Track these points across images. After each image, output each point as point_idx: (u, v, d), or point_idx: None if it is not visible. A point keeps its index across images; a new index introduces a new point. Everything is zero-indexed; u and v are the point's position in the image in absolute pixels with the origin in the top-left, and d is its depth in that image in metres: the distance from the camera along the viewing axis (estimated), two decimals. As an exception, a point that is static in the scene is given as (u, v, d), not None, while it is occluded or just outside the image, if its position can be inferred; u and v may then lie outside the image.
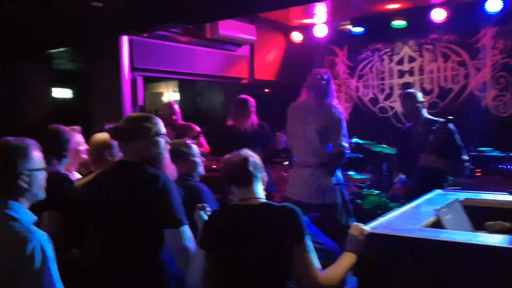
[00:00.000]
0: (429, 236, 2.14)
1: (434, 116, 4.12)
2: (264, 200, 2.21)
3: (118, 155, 2.89)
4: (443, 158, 3.86)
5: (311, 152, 4.19)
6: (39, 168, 1.95)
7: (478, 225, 2.82)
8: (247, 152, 2.27)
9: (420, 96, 4.12)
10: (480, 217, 2.88)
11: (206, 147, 5.48)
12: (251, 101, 5.19)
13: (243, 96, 5.28)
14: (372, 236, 2.20)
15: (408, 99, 4.14)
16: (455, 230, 2.43)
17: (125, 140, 2.43)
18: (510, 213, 2.94)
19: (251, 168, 2.19)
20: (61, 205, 2.66)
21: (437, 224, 2.49)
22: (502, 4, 5.74)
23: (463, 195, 3.12)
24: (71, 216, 2.64)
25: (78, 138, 3.19)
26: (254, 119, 5.20)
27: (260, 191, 2.23)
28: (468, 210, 2.87)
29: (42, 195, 1.99)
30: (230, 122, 5.29)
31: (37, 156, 1.95)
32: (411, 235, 2.16)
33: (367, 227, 2.24)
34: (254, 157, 2.26)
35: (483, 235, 2.46)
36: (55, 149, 2.88)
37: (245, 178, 2.20)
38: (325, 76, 4.25)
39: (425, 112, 4.14)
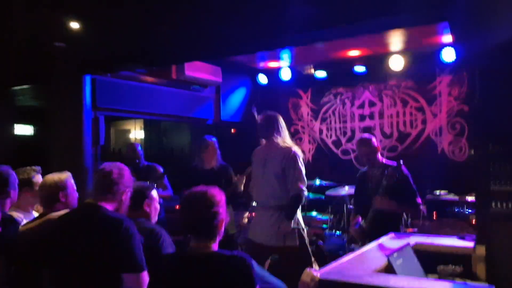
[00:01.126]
0: (378, 283, 2.18)
1: (393, 159, 4.23)
2: (216, 250, 2.20)
3: (73, 196, 2.88)
4: (396, 201, 3.95)
5: (270, 195, 4.22)
6: None
7: (430, 269, 2.88)
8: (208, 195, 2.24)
9: (374, 141, 4.23)
10: (432, 261, 2.95)
11: (169, 190, 5.47)
12: (215, 141, 5.25)
13: (207, 136, 5.33)
14: (322, 282, 2.22)
15: (362, 144, 4.24)
16: (406, 275, 2.48)
17: (112, 194, 2.49)
18: (461, 257, 3.01)
19: (211, 222, 2.18)
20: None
21: (389, 269, 2.53)
22: (455, 54, 6.02)
23: (415, 240, 3.19)
24: (20, 261, 2.58)
25: (39, 178, 3.15)
26: (218, 160, 5.25)
27: (215, 239, 2.22)
28: (420, 255, 2.93)
29: None
30: (194, 163, 5.32)
31: None
32: (360, 282, 2.20)
33: (318, 274, 2.27)
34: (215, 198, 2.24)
35: (432, 281, 2.51)
36: None
37: (204, 231, 2.19)
38: (267, 115, 4.33)
39: (380, 157, 4.25)
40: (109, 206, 2.49)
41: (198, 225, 2.18)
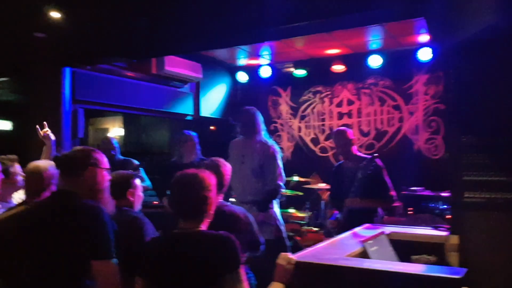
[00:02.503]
0: (353, 264, 2.24)
1: None
2: (201, 229, 2.23)
3: (55, 184, 2.86)
4: (368, 199, 4.00)
5: (247, 190, 4.25)
6: None
7: (405, 259, 2.94)
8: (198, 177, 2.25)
9: (350, 133, 4.30)
10: (406, 250, 3.01)
11: (147, 182, 5.44)
12: (194, 136, 5.25)
13: (186, 131, 5.33)
14: (298, 264, 2.26)
15: (339, 135, 4.31)
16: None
17: (73, 170, 2.41)
18: (435, 247, 3.09)
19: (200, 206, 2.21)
20: None
21: (363, 255, 2.59)
22: (432, 53, 6.15)
23: (390, 229, 3.26)
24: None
25: (16, 168, 3.11)
26: (197, 154, 5.24)
27: (204, 221, 2.25)
28: (394, 244, 2.99)
29: None
30: (173, 158, 5.32)
31: None
32: (335, 263, 2.25)
33: (294, 256, 2.31)
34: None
35: (404, 264, 2.57)
36: None
37: (193, 214, 2.22)
38: (250, 112, 4.35)
39: (355, 150, 4.31)
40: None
41: (188, 207, 2.22)
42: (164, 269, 2.15)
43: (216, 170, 2.89)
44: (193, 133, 5.31)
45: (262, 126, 4.38)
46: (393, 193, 4.13)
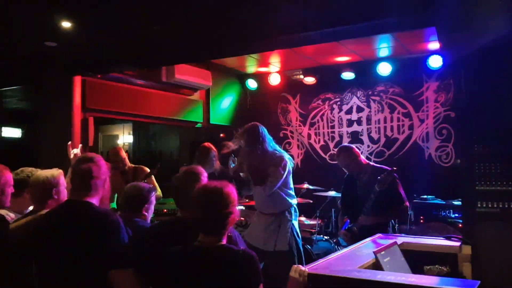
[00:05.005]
0: (365, 277, 2.21)
1: (381, 165, 4.27)
2: (224, 243, 2.20)
3: (64, 193, 2.87)
4: (382, 214, 3.99)
5: (261, 202, 4.24)
6: None
7: (417, 269, 2.91)
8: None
9: (353, 148, 4.28)
10: (418, 261, 2.98)
11: (157, 191, 5.43)
12: (213, 148, 5.20)
13: (206, 144, 5.27)
14: (310, 277, 2.24)
15: (342, 152, 4.29)
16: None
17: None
18: (447, 257, 3.05)
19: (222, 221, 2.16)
20: None
21: (376, 267, 2.56)
22: (442, 60, 6.11)
23: (402, 240, 3.22)
24: (7, 257, 2.56)
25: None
26: (217, 165, 5.19)
27: (223, 236, 2.21)
28: (407, 254, 2.95)
29: None
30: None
31: None
32: (348, 275, 2.22)
33: (306, 268, 2.29)
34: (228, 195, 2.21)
35: (419, 276, 2.54)
36: None
37: (215, 229, 2.18)
38: (248, 128, 4.18)
39: (363, 160, 4.28)
40: (94, 200, 2.49)
41: (212, 223, 2.17)
42: (184, 283, 2.12)
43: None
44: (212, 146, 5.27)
45: (268, 137, 4.26)
46: (407, 203, 4.10)
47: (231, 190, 2.23)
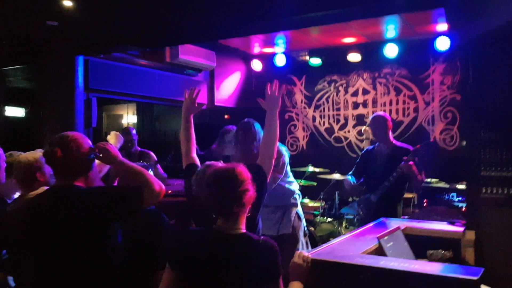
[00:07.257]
0: (368, 263, 2.20)
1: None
2: (245, 231, 2.14)
3: (50, 173, 2.74)
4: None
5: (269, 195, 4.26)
6: None
7: (420, 254, 2.90)
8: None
9: (389, 120, 4.42)
10: (422, 245, 2.98)
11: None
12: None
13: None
14: (313, 262, 2.23)
15: (376, 120, 4.42)
16: (396, 258, 2.50)
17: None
18: (451, 242, 3.04)
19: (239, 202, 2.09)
20: None
21: (379, 252, 2.56)
22: (450, 42, 6.02)
23: (405, 224, 3.21)
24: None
25: None
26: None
27: (242, 220, 2.15)
28: (410, 239, 2.95)
29: None
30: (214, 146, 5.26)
31: None
32: (351, 261, 2.21)
33: (309, 254, 2.28)
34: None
35: (421, 262, 2.53)
36: None
37: (233, 211, 2.10)
38: (242, 126, 4.08)
39: (391, 136, 4.42)
40: (82, 183, 2.35)
41: (228, 204, 2.09)
42: (202, 267, 2.06)
43: None
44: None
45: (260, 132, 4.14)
46: (422, 177, 4.28)
47: (243, 169, 2.16)
